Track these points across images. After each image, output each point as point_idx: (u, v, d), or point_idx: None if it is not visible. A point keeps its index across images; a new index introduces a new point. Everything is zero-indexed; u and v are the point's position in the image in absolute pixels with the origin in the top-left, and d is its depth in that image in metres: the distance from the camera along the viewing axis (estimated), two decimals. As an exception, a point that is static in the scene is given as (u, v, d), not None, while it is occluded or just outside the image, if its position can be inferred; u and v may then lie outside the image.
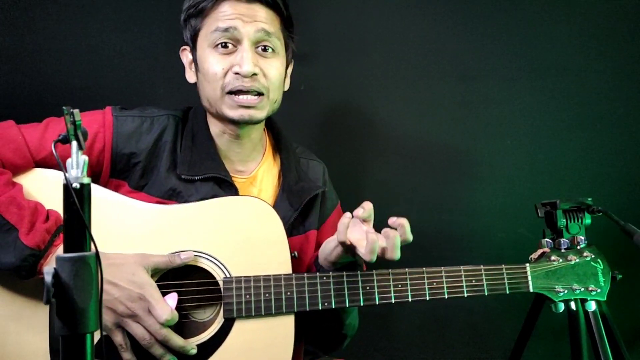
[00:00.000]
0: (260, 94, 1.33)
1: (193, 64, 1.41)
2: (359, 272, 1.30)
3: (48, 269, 0.77)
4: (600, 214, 1.44)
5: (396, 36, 2.01)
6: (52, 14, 1.80)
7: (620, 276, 1.41)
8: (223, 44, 1.32)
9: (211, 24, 1.33)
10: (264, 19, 1.33)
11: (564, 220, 1.45)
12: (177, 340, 1.19)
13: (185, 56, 1.43)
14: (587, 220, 1.46)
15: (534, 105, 2.02)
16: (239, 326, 1.25)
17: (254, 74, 1.31)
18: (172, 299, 1.22)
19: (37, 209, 1.18)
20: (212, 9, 1.33)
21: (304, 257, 1.45)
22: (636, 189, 2.02)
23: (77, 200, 0.79)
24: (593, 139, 2.02)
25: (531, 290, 1.37)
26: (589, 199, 1.47)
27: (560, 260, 1.40)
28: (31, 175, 1.27)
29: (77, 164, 0.81)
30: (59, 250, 1.15)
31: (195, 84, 1.42)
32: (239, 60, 1.30)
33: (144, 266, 1.19)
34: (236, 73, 1.30)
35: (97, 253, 0.81)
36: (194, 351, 1.21)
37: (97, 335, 0.99)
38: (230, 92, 1.32)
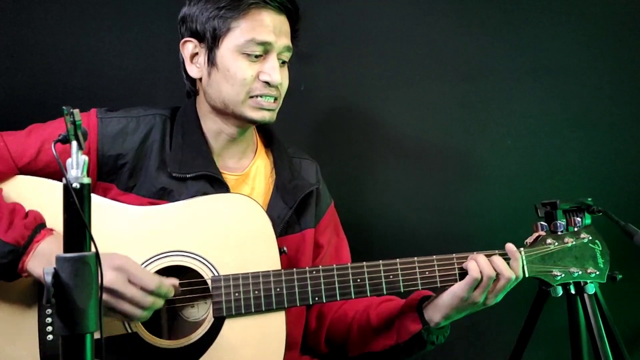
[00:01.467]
0: (277, 99, 1.39)
1: (200, 59, 1.38)
2: (349, 265, 1.31)
3: (48, 269, 0.77)
4: (600, 214, 1.43)
5: (396, 36, 2.00)
6: (52, 13, 1.80)
7: (620, 276, 1.40)
8: (255, 52, 1.34)
9: (246, 31, 1.33)
10: (286, 33, 1.39)
11: (564, 220, 1.45)
12: (161, 302, 1.18)
13: (187, 49, 1.39)
14: (587, 220, 1.46)
15: (534, 105, 2.02)
16: (229, 325, 1.24)
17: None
18: None
19: (16, 208, 1.18)
20: (248, 14, 1.33)
21: (301, 257, 1.45)
22: (636, 189, 2.02)
23: (77, 200, 0.79)
24: (593, 139, 2.02)
25: (527, 275, 1.34)
26: (589, 199, 1.47)
27: (557, 243, 1.38)
28: (18, 183, 1.26)
29: (77, 164, 0.81)
30: (41, 247, 1.14)
31: (195, 79, 1.41)
32: (269, 70, 1.34)
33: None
34: (265, 81, 1.34)
35: (97, 253, 0.81)
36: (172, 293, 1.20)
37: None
38: (254, 96, 1.35)
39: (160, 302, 1.17)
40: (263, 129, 1.54)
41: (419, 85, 2.01)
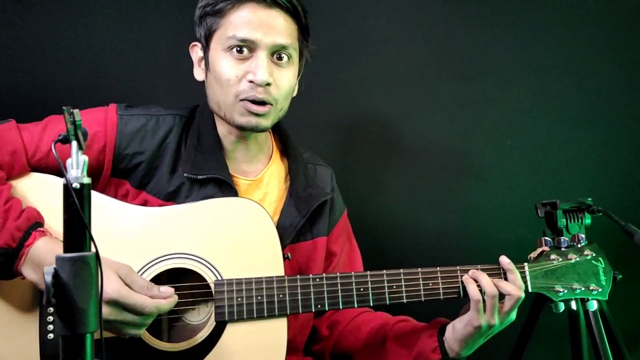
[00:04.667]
0: (269, 103, 1.32)
1: (203, 62, 1.38)
2: (352, 273, 1.29)
3: (48, 269, 0.77)
4: (600, 214, 1.43)
5: (397, 36, 2.00)
6: (52, 13, 1.80)
7: (620, 276, 1.40)
8: (238, 49, 1.29)
9: (228, 27, 1.29)
10: (283, 29, 1.30)
11: (564, 220, 1.44)
12: (166, 306, 1.16)
13: (195, 53, 1.40)
14: (587, 220, 1.46)
15: (534, 105, 2.02)
16: (230, 329, 1.24)
17: (268, 84, 1.29)
18: None
19: (12, 207, 1.15)
20: (230, 11, 1.30)
21: (312, 265, 1.43)
22: (636, 189, 2.02)
23: (77, 200, 0.79)
24: (593, 139, 2.02)
25: (530, 290, 1.34)
26: (589, 199, 1.47)
27: (560, 259, 1.37)
28: (30, 180, 1.25)
29: (77, 164, 0.81)
30: (33, 251, 1.12)
31: (202, 82, 1.40)
32: (254, 68, 1.28)
33: (118, 273, 1.13)
34: (250, 81, 1.28)
35: (97, 253, 0.81)
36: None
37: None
38: (243, 99, 1.30)
39: (163, 309, 1.16)
40: (279, 133, 1.52)
41: (419, 85, 2.01)
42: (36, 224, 1.15)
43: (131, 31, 1.85)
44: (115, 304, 1.10)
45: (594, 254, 1.39)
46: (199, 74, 1.40)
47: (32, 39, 1.78)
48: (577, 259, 1.38)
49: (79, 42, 1.82)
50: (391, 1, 2.01)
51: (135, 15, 1.86)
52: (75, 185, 0.80)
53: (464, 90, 2.01)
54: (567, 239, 1.41)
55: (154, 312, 1.13)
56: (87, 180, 0.81)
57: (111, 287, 1.10)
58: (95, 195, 1.26)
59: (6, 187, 1.19)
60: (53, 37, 1.80)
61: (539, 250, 1.41)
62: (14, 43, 1.77)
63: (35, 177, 1.26)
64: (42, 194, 1.24)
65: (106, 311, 1.10)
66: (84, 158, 0.81)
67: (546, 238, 1.42)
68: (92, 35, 1.83)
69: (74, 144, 0.82)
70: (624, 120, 2.02)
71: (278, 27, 1.30)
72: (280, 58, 1.32)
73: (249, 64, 1.29)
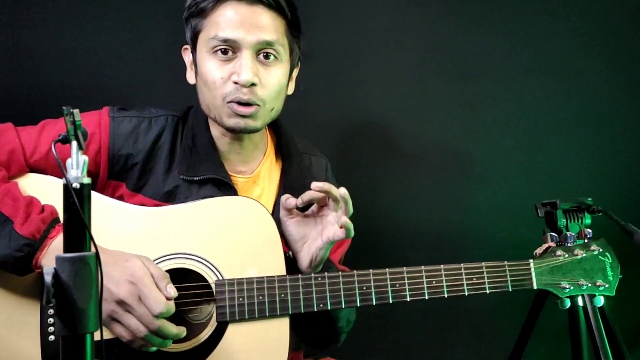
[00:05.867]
0: (256, 104, 1.30)
1: (193, 65, 1.38)
2: (355, 272, 1.29)
3: (48, 269, 0.77)
4: (600, 214, 1.43)
5: (396, 36, 2.00)
6: (52, 13, 1.80)
7: (620, 276, 1.40)
8: (222, 50, 1.28)
9: (211, 28, 1.29)
10: (267, 25, 1.28)
11: (564, 220, 1.44)
12: (171, 329, 1.14)
13: (187, 55, 1.40)
14: (587, 220, 1.45)
15: (534, 105, 2.02)
16: (232, 329, 1.23)
17: (253, 84, 1.27)
18: None
19: (33, 201, 1.17)
20: (213, 10, 1.28)
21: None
22: (636, 189, 2.02)
23: (77, 200, 0.79)
24: (593, 139, 2.02)
25: (535, 287, 1.33)
26: (589, 199, 1.47)
27: (566, 255, 1.36)
28: (28, 180, 1.26)
29: (77, 164, 0.81)
30: (55, 243, 1.12)
31: (194, 85, 1.39)
32: (238, 68, 1.26)
33: (140, 259, 1.15)
34: (235, 82, 1.27)
35: (97, 253, 0.81)
36: (184, 334, 1.17)
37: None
38: (230, 102, 1.29)
39: (169, 327, 1.14)
40: (274, 127, 1.51)
41: (419, 85, 2.01)
42: (57, 219, 1.16)
43: (131, 32, 1.85)
44: (135, 286, 1.11)
45: (601, 250, 1.39)
46: (190, 77, 1.39)
47: (32, 39, 1.78)
48: (584, 254, 1.37)
49: (79, 43, 1.82)
50: (391, 1, 2.01)
51: (134, 16, 1.85)
52: (75, 185, 0.80)
53: (463, 90, 2.01)
54: (573, 234, 1.40)
55: (163, 312, 1.12)
56: (87, 180, 0.81)
57: (139, 272, 1.12)
58: (94, 196, 1.26)
59: (13, 183, 1.21)
60: (53, 37, 1.80)
61: (545, 246, 1.41)
62: (14, 43, 1.77)
63: (33, 177, 1.26)
64: (40, 194, 1.23)
65: (125, 290, 1.10)
66: (84, 158, 0.81)
67: (552, 234, 1.41)
68: (92, 36, 1.83)
69: (74, 143, 0.82)
70: (623, 120, 2.02)
71: (262, 24, 1.27)
72: (267, 57, 1.30)
73: (234, 64, 1.28)
